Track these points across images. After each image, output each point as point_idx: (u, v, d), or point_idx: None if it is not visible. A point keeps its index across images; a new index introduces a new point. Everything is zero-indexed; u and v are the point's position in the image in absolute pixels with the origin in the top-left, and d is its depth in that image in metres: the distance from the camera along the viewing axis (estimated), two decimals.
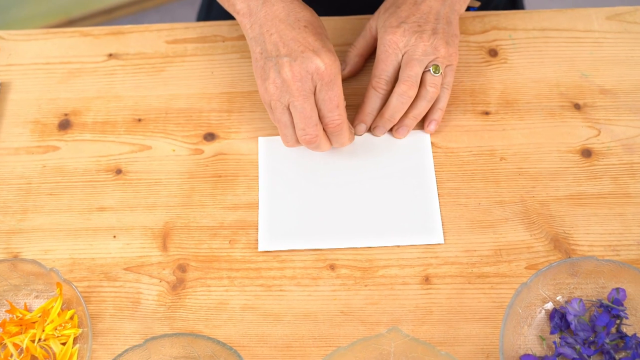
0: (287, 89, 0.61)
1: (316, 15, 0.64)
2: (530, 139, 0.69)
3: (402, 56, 0.66)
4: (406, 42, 0.65)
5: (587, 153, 0.68)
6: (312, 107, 0.61)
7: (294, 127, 0.63)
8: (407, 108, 0.67)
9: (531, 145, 0.69)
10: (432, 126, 0.69)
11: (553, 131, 0.69)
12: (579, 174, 0.67)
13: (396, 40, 0.66)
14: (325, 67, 0.60)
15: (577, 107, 0.71)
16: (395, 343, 0.57)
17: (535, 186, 0.67)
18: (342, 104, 0.62)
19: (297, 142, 0.64)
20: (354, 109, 0.70)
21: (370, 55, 0.73)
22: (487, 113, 0.71)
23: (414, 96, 0.66)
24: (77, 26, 0.79)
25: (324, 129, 0.63)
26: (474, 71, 0.73)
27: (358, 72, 0.73)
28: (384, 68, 0.66)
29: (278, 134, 0.70)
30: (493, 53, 0.74)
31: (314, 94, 0.61)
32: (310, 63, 0.60)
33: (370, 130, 0.70)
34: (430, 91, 0.66)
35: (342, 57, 0.73)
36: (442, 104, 0.68)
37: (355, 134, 0.69)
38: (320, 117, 0.62)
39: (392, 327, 0.56)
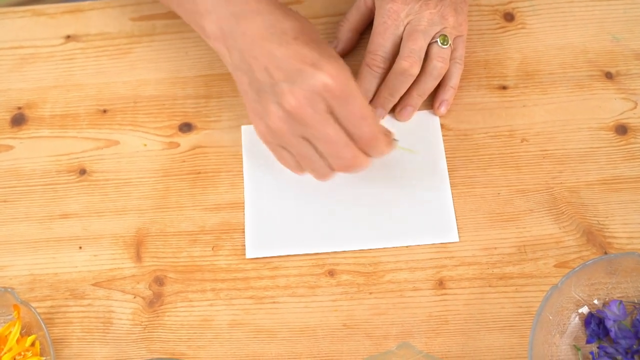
0: (296, 120, 0.54)
1: (303, 18, 0.57)
2: (555, 116, 0.66)
3: (404, 28, 0.62)
4: (409, 10, 0.62)
5: (622, 129, 0.65)
6: (335, 129, 0.54)
7: (320, 157, 0.57)
8: (407, 87, 0.64)
9: (557, 122, 0.66)
10: (442, 108, 0.65)
11: (582, 105, 0.66)
12: (613, 154, 0.64)
13: (397, 9, 0.62)
14: (333, 79, 0.53)
15: (608, 76, 0.67)
16: None
17: (563, 171, 0.64)
18: (368, 111, 0.55)
19: (332, 171, 0.58)
20: None
21: (365, 30, 0.69)
22: (504, 87, 0.68)
23: (417, 74, 0.63)
24: (30, 4, 0.75)
25: (357, 145, 0.57)
26: (487, 39, 0.70)
27: (352, 49, 0.69)
28: (380, 42, 0.63)
29: None
30: (509, 17, 0.71)
31: (332, 113, 0.54)
32: (314, 81, 0.53)
33: None
34: (438, 66, 0.63)
35: (332, 31, 0.69)
36: (454, 82, 0.65)
37: None
38: (348, 135, 0.55)
39: (402, 343, 0.54)
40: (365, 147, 0.57)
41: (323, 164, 0.57)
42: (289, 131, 0.55)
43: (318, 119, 0.54)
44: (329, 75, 0.53)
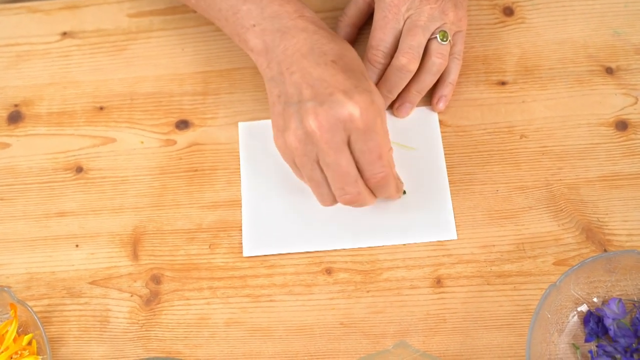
0: (313, 142, 0.54)
1: (348, 46, 0.57)
2: (554, 112, 0.65)
3: (404, 22, 0.62)
4: (410, 4, 0.61)
5: (622, 125, 0.65)
6: (348, 161, 0.54)
7: (328, 184, 0.56)
8: (406, 83, 0.63)
9: (556, 118, 0.65)
10: (441, 104, 0.65)
11: (581, 101, 0.66)
12: (613, 150, 0.64)
13: (397, 3, 0.61)
14: (360, 112, 0.52)
15: (609, 71, 0.67)
16: None
17: (562, 167, 0.63)
18: (386, 152, 0.55)
19: (335, 200, 0.58)
20: None
21: (364, 25, 0.69)
22: (503, 83, 0.67)
23: (415, 70, 0.62)
24: (25, 1, 0.74)
25: (366, 182, 0.57)
26: (486, 34, 0.69)
27: (351, 45, 0.67)
28: (381, 37, 0.62)
29: (261, 118, 0.67)
30: (508, 12, 0.70)
31: (349, 144, 0.54)
32: (341, 109, 0.52)
33: None
34: (437, 62, 0.62)
35: (331, 26, 0.69)
36: (453, 78, 0.65)
37: None
38: (359, 170, 0.55)
39: (399, 342, 0.54)
40: (374, 187, 0.57)
41: (329, 192, 0.57)
42: (303, 151, 0.54)
43: (334, 147, 0.53)
44: (358, 107, 0.53)
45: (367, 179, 0.56)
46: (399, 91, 0.64)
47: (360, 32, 0.69)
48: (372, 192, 0.58)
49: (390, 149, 0.58)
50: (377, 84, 0.64)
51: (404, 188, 0.62)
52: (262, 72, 0.58)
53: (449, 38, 0.62)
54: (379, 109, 0.54)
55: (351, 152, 0.54)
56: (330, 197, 0.57)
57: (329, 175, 0.55)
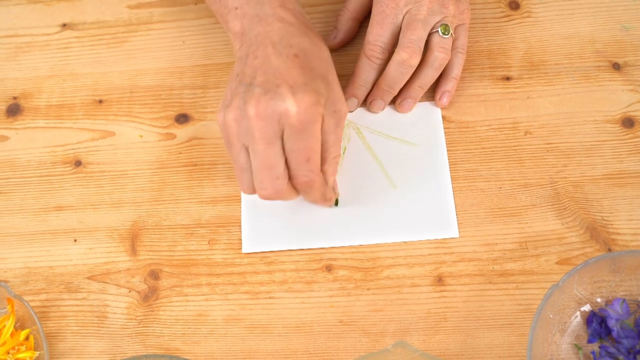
0: (247, 127, 0.54)
1: (322, 46, 0.57)
2: (560, 108, 0.65)
3: (403, 17, 0.61)
4: None
5: (629, 122, 0.64)
6: (275, 155, 0.54)
7: (252, 172, 0.56)
8: (407, 79, 0.62)
9: (561, 115, 0.64)
10: (444, 99, 0.64)
11: (588, 97, 0.65)
12: (619, 148, 0.63)
13: None
14: (297, 110, 0.52)
15: (616, 67, 0.66)
16: (403, 359, 0.54)
17: (567, 165, 0.62)
18: (316, 158, 0.55)
19: (254, 190, 0.57)
20: (347, 79, 0.66)
21: (365, 18, 0.68)
22: (508, 78, 0.66)
23: (416, 65, 0.61)
24: None
25: (291, 181, 0.57)
26: (491, 28, 0.68)
27: (352, 39, 0.68)
28: (379, 32, 0.61)
29: None
30: (514, 5, 0.69)
31: (282, 139, 0.54)
32: (280, 102, 0.53)
33: (366, 105, 0.65)
34: (439, 56, 0.61)
35: (332, 19, 0.68)
36: (456, 72, 0.64)
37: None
38: (288, 168, 0.55)
39: (398, 342, 0.53)
40: (298, 188, 0.57)
41: (249, 180, 0.56)
42: (237, 132, 0.54)
43: (265, 138, 0.53)
44: (297, 105, 0.53)
45: (292, 178, 0.56)
46: (400, 86, 0.63)
47: (361, 27, 0.68)
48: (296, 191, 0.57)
49: (337, 155, 0.57)
50: (376, 79, 0.63)
51: (337, 197, 0.61)
52: (234, 53, 0.58)
53: (451, 31, 0.62)
54: (322, 114, 0.54)
55: (281, 149, 0.54)
56: (250, 186, 0.57)
57: (254, 164, 0.55)
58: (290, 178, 0.56)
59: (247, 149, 0.55)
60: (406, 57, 0.60)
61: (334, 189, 0.60)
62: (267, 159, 0.54)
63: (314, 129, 0.53)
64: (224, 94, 0.56)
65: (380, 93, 0.63)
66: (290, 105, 0.52)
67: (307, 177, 0.55)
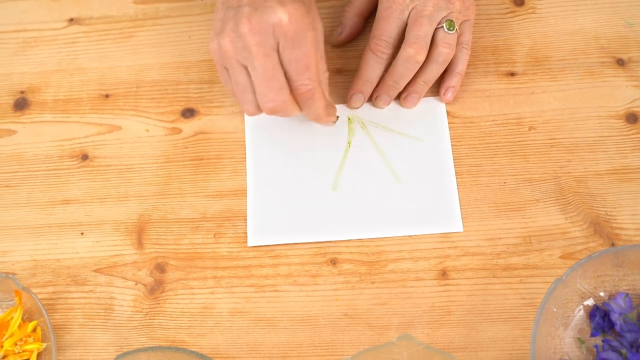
0: (244, 45, 0.55)
1: None
2: (564, 104, 0.65)
3: (409, 13, 0.61)
4: None
5: (632, 118, 0.64)
6: (274, 66, 0.56)
7: (254, 90, 0.58)
8: (413, 74, 0.63)
9: (565, 110, 0.65)
10: (449, 94, 0.64)
11: (592, 93, 0.65)
12: (623, 143, 0.63)
13: None
14: (289, 19, 0.54)
15: (620, 63, 0.66)
16: (407, 352, 0.54)
17: (571, 160, 0.63)
18: (314, 66, 0.57)
19: (259, 109, 0.60)
20: (352, 74, 0.66)
21: (371, 14, 0.68)
22: (512, 74, 0.66)
23: (423, 61, 0.62)
24: None
25: (292, 94, 0.58)
26: (496, 24, 0.69)
27: (358, 35, 0.68)
28: (385, 27, 0.62)
29: None
30: (519, 1, 0.70)
31: (278, 52, 0.56)
32: (272, 14, 0.54)
33: (371, 100, 0.65)
34: (444, 52, 0.62)
35: (338, 15, 0.69)
36: (461, 68, 0.64)
37: (351, 106, 0.65)
38: (288, 81, 0.57)
39: (403, 335, 0.54)
40: (301, 99, 0.58)
41: (252, 98, 0.58)
42: (234, 54, 0.56)
43: (262, 51, 0.55)
44: (288, 14, 0.54)
45: (294, 90, 0.57)
46: (406, 82, 0.63)
47: (367, 22, 0.69)
48: (299, 106, 0.59)
49: (326, 71, 0.59)
50: (382, 74, 0.64)
51: (337, 115, 0.63)
52: None
53: (456, 27, 0.62)
54: (313, 25, 0.56)
55: (279, 61, 0.56)
56: (254, 104, 0.59)
57: (255, 80, 0.57)
58: (292, 91, 0.57)
59: (246, 68, 0.57)
60: (413, 53, 0.61)
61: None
62: (268, 71, 0.56)
63: (308, 36, 0.55)
64: (212, 25, 0.58)
65: (386, 88, 0.64)
66: (282, 15, 0.54)
67: (308, 85, 0.57)
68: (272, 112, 0.58)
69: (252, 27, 0.55)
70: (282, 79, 0.56)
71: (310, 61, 0.56)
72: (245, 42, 0.55)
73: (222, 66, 0.58)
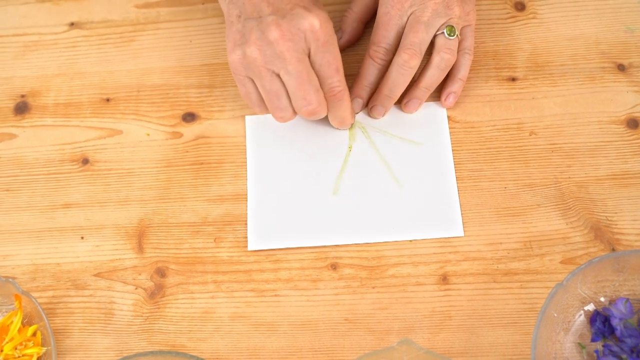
0: (275, 52, 0.56)
1: None
2: (565, 109, 0.65)
3: (407, 19, 0.61)
4: (413, 0, 0.61)
5: (633, 123, 0.64)
6: (308, 70, 0.57)
7: (288, 96, 0.59)
8: (409, 81, 0.63)
9: (566, 116, 0.65)
10: (450, 100, 0.65)
11: (592, 98, 0.65)
12: (623, 148, 0.63)
13: (401, 0, 0.61)
14: (320, 24, 0.56)
15: (621, 68, 0.66)
16: (407, 357, 0.54)
17: (572, 165, 0.63)
18: (342, 67, 0.59)
19: (294, 114, 0.60)
20: (352, 79, 0.66)
21: (370, 20, 0.69)
22: (513, 79, 0.66)
23: (417, 67, 0.62)
24: None
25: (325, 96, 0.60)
26: (497, 29, 0.69)
27: (357, 40, 0.69)
28: (384, 34, 0.62)
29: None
30: (520, 7, 0.70)
31: (310, 56, 0.57)
32: (302, 20, 0.56)
33: (367, 110, 0.65)
34: (445, 58, 0.62)
35: (338, 21, 0.69)
36: (463, 74, 0.64)
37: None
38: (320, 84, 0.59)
39: (403, 340, 0.54)
40: (331, 101, 0.59)
41: (287, 104, 0.59)
42: (263, 62, 0.57)
43: (296, 56, 0.56)
44: (318, 19, 0.56)
45: (326, 92, 0.59)
46: (402, 89, 0.63)
47: (366, 28, 0.69)
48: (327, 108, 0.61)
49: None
50: (378, 81, 0.64)
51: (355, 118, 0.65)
52: (221, 2, 0.60)
53: (457, 33, 0.62)
54: (333, 27, 0.58)
55: (311, 64, 0.57)
56: (289, 110, 0.60)
57: (290, 85, 0.58)
58: (325, 94, 0.59)
59: (277, 76, 0.57)
60: (407, 58, 0.61)
61: None
62: (303, 75, 0.57)
63: (335, 40, 0.58)
64: (228, 40, 0.58)
65: (381, 99, 0.64)
66: (314, 21, 0.56)
67: (339, 87, 0.59)
68: (311, 114, 0.59)
69: (284, 34, 0.56)
70: (317, 82, 0.58)
71: (339, 64, 0.58)
72: (275, 49, 0.56)
73: (246, 77, 0.59)
